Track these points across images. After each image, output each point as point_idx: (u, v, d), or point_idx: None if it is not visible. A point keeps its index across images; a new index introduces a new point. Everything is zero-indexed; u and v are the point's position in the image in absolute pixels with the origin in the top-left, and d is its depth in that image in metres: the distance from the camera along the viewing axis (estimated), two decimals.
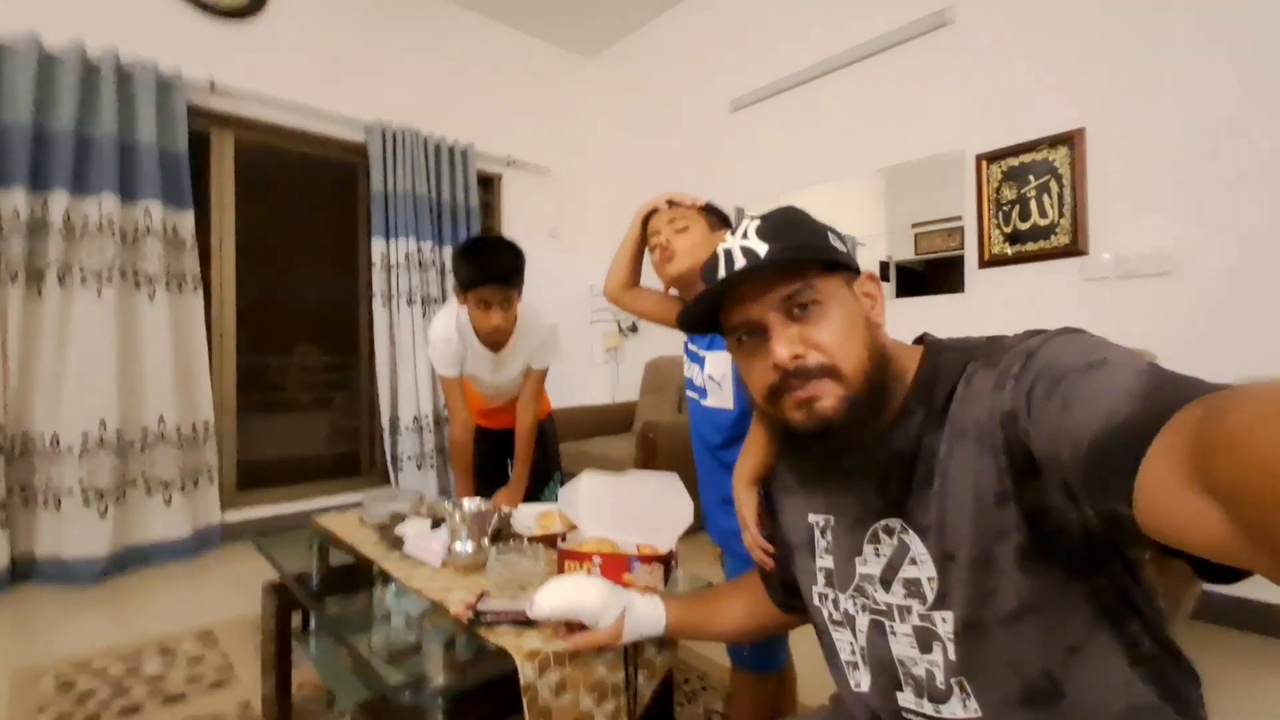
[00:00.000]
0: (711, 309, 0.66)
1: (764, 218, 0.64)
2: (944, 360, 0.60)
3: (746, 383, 0.66)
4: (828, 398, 0.58)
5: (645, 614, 0.83)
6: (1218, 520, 0.32)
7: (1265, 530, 0.29)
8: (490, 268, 1.57)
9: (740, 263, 0.61)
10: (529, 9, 3.86)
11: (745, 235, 0.62)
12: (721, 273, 0.62)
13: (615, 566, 1.06)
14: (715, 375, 1.09)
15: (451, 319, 1.72)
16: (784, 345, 0.59)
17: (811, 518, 0.70)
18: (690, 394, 1.19)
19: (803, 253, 0.61)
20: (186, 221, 2.77)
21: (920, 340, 0.66)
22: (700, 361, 1.13)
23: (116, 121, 2.56)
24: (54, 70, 2.46)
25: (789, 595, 0.79)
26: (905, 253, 2.72)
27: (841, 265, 0.62)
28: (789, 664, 1.21)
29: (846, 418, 0.58)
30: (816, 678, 1.44)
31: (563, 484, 2.07)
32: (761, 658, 1.11)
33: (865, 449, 0.59)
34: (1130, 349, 0.47)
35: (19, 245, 2.36)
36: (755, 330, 0.62)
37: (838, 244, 0.64)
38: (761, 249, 0.61)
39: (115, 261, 2.53)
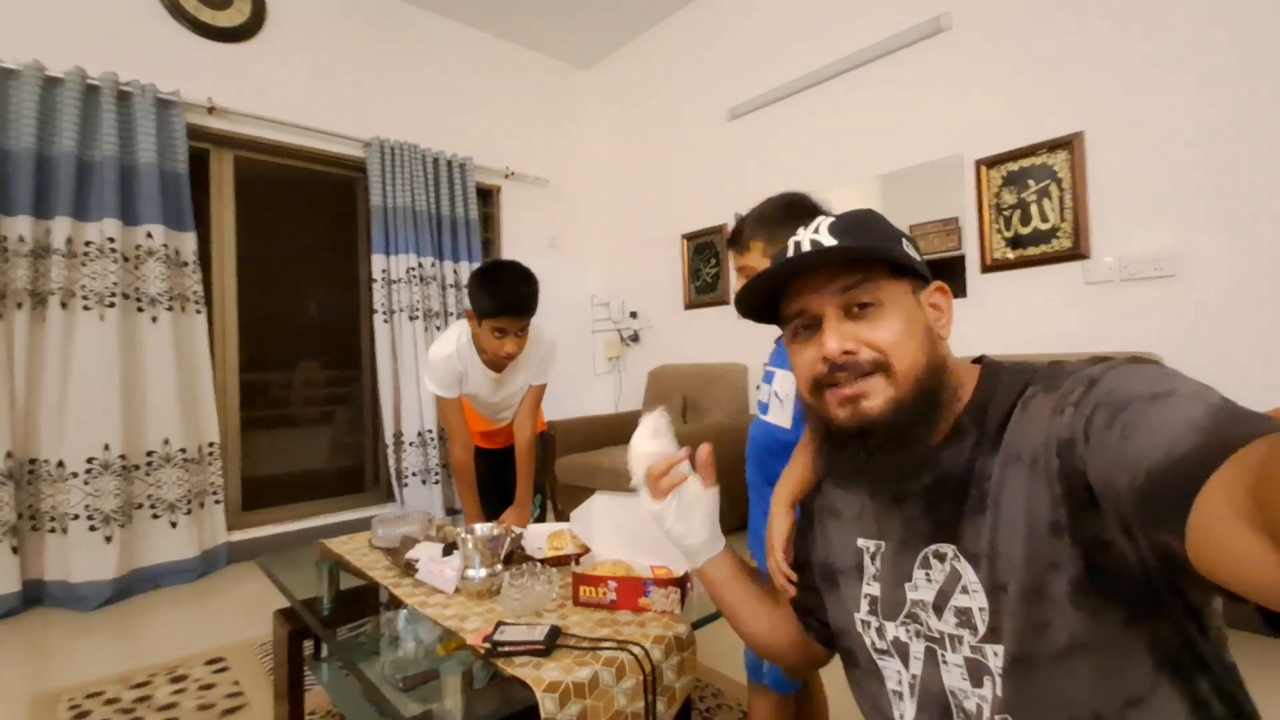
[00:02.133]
0: (768, 292, 0.65)
1: (840, 216, 0.64)
2: (1001, 382, 0.59)
3: (795, 374, 0.64)
4: (875, 397, 0.57)
5: (699, 500, 0.78)
6: (1275, 562, 0.30)
7: None
8: (511, 298, 1.59)
9: None
10: (524, 22, 3.87)
11: (817, 230, 0.62)
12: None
13: (631, 590, 1.06)
14: (780, 392, 1.07)
15: (453, 340, 1.73)
16: (835, 339, 0.58)
17: (861, 542, 0.67)
18: (759, 413, 1.17)
19: (868, 252, 0.59)
20: (187, 242, 2.77)
21: (979, 360, 0.64)
22: (769, 378, 1.12)
23: (117, 144, 2.57)
24: (56, 95, 2.47)
25: (811, 619, 0.78)
26: None
27: (909, 271, 0.61)
28: (818, 688, 1.20)
29: (891, 420, 0.57)
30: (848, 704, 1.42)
31: (544, 503, 2.06)
32: (778, 674, 1.09)
33: (913, 467, 0.57)
34: (1203, 383, 0.44)
35: (23, 271, 2.36)
36: (811, 322, 0.62)
37: (911, 251, 0.63)
38: (830, 244, 0.60)
39: (117, 284, 2.54)
